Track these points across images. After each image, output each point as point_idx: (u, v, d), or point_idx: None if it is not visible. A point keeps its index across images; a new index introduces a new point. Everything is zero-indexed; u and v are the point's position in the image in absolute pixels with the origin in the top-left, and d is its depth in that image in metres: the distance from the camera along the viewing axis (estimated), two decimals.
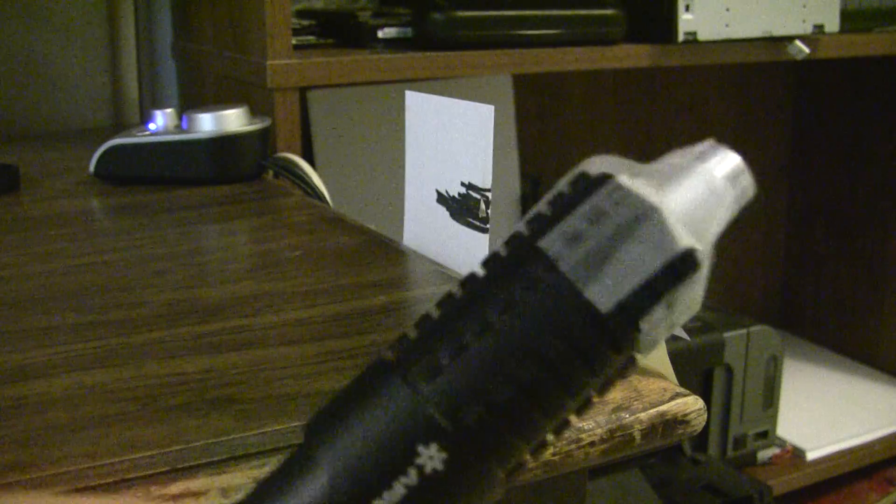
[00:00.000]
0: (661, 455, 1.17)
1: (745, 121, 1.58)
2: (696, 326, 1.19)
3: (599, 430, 0.34)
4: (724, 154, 0.20)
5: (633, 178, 0.19)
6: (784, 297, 1.70)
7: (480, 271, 0.20)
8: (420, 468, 0.19)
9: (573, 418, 0.20)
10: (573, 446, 0.34)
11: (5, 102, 1.05)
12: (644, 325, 0.19)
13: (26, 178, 0.75)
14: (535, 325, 0.19)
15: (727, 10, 1.01)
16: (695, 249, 0.19)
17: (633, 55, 1.01)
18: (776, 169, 1.63)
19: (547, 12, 0.96)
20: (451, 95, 0.54)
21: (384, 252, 0.56)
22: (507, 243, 0.20)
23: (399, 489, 0.19)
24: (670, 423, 0.36)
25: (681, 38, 1.00)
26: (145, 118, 0.79)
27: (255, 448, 0.32)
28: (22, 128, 1.06)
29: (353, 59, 0.87)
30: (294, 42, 0.86)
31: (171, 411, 0.35)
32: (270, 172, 0.78)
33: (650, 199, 0.19)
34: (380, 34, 0.95)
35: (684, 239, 0.19)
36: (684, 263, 0.19)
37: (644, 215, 0.19)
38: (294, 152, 0.82)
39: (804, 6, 1.06)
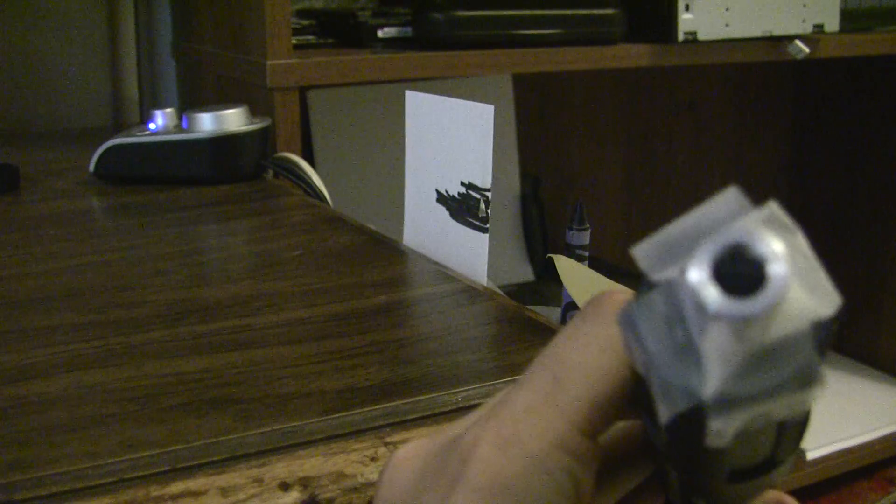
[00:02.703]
0: None
1: (745, 121, 1.58)
2: None
3: None
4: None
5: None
6: None
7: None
8: None
9: None
10: None
11: (5, 102, 1.05)
12: None
13: (26, 178, 0.75)
14: None
15: (727, 9, 1.01)
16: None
17: (633, 55, 1.00)
18: (776, 169, 1.63)
19: (546, 12, 0.96)
20: (451, 95, 0.54)
21: (384, 252, 0.56)
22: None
23: None
24: None
25: (681, 37, 1.00)
26: (145, 118, 0.79)
27: (255, 448, 0.32)
28: (22, 128, 1.06)
29: (353, 59, 0.87)
30: (294, 42, 0.86)
31: (170, 411, 0.35)
32: (270, 172, 0.78)
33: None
34: (380, 34, 0.95)
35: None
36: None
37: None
38: (294, 152, 0.82)
39: (804, 6, 1.06)
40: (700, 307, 0.18)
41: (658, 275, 0.19)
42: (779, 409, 0.19)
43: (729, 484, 0.22)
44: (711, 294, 0.17)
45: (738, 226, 0.18)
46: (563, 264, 0.51)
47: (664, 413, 0.19)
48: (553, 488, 0.22)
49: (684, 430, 0.19)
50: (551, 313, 0.90)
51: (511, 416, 0.22)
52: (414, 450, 0.25)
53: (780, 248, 0.18)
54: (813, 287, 0.19)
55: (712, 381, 0.18)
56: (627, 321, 0.20)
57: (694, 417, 0.19)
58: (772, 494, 0.24)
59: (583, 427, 0.22)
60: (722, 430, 0.19)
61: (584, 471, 0.22)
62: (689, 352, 0.19)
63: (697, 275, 0.18)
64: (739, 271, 0.18)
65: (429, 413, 0.35)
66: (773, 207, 0.19)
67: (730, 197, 0.19)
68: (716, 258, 0.18)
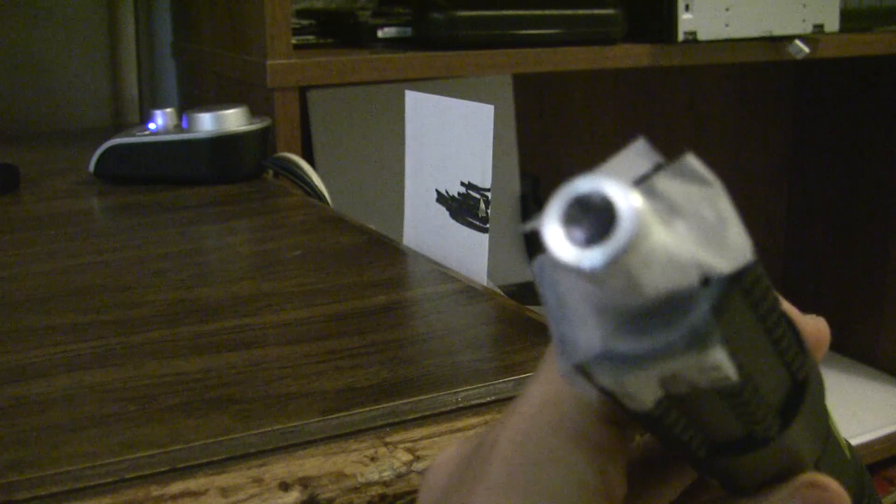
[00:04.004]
0: None
1: (745, 121, 1.58)
2: None
3: None
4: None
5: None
6: (783, 296, 1.70)
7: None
8: None
9: None
10: None
11: (5, 102, 1.05)
12: None
13: (26, 178, 0.75)
14: None
15: (727, 9, 1.01)
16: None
17: (633, 55, 1.00)
18: (776, 169, 1.63)
19: (547, 12, 0.96)
20: (451, 95, 0.54)
21: (384, 252, 0.56)
22: None
23: None
24: None
25: (681, 37, 1.00)
26: (145, 118, 0.79)
27: (255, 448, 0.32)
28: (22, 128, 1.06)
29: (352, 59, 0.87)
30: (294, 42, 0.86)
31: (170, 411, 0.35)
32: (270, 172, 0.78)
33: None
34: (380, 34, 0.95)
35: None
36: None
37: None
38: (294, 152, 0.82)
39: (804, 6, 1.06)
40: (553, 261, 0.17)
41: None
42: (686, 371, 0.18)
43: (718, 458, 0.21)
44: (558, 246, 0.17)
45: (586, 178, 0.17)
46: None
47: (560, 367, 0.19)
48: (574, 482, 0.21)
49: (606, 392, 0.19)
50: None
51: (528, 411, 0.22)
52: (450, 453, 0.24)
53: (628, 198, 0.17)
54: (716, 241, 0.17)
55: (589, 336, 0.18)
56: (536, 275, 0.19)
57: (586, 373, 0.18)
58: (806, 477, 0.22)
59: (602, 414, 0.21)
60: (615, 389, 0.18)
61: (609, 462, 0.21)
62: (574, 307, 0.18)
63: (546, 229, 0.17)
64: (594, 224, 0.17)
65: (429, 413, 0.35)
66: (688, 158, 0.18)
67: (638, 148, 0.19)
68: (564, 211, 0.17)
